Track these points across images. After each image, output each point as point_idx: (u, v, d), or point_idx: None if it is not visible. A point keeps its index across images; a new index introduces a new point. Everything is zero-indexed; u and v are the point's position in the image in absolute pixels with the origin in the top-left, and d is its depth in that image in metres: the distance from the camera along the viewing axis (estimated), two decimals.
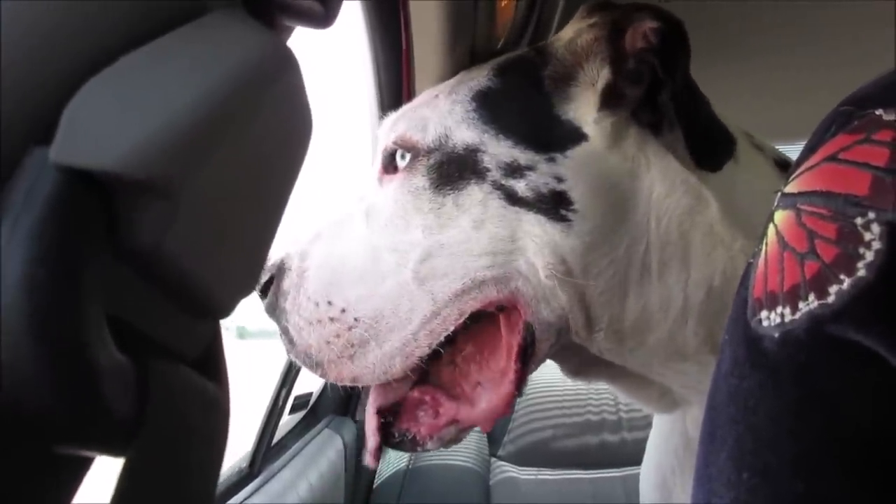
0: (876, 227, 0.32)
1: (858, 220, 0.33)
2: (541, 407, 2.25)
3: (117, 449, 0.23)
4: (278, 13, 0.32)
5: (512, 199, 0.67)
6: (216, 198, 0.26)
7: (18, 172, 0.21)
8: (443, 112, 0.73)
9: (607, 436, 2.17)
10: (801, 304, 0.34)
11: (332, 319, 0.69)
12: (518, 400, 2.23)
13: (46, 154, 0.21)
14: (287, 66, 0.28)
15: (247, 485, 1.30)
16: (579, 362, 0.78)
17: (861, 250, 0.32)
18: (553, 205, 0.66)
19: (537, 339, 0.68)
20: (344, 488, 1.65)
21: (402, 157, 0.74)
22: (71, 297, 0.21)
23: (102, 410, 0.21)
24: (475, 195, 0.67)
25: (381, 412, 0.71)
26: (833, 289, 0.33)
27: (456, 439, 0.71)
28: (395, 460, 2.07)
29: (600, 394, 2.26)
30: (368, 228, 0.73)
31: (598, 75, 0.70)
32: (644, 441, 0.96)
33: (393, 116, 0.79)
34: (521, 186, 0.66)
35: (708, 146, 0.68)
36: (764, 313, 0.36)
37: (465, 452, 2.11)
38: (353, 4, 0.87)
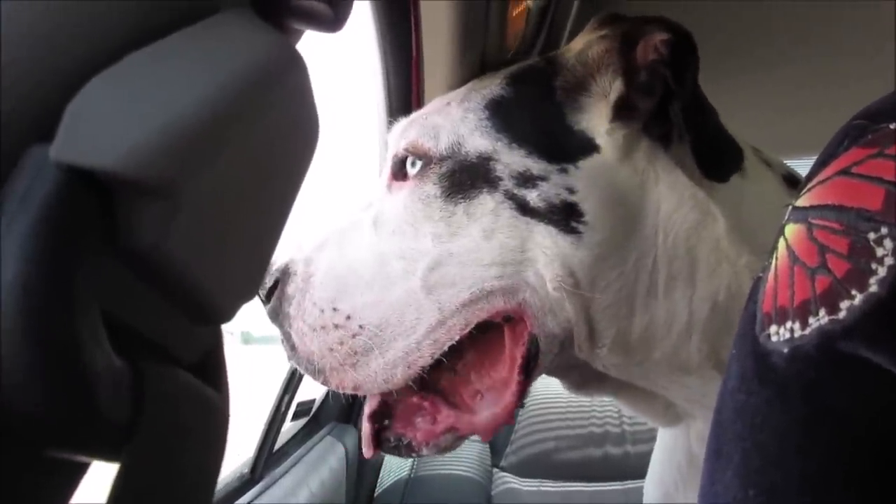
0: (889, 243, 0.31)
1: (871, 236, 0.32)
2: (544, 418, 2.24)
3: (111, 453, 0.23)
4: (288, 16, 0.32)
5: (523, 209, 0.66)
6: (219, 200, 0.25)
7: (17, 170, 0.21)
8: (455, 120, 0.73)
9: (610, 448, 2.16)
10: (811, 320, 0.33)
11: (336, 326, 0.68)
12: (521, 411, 2.21)
13: (46, 152, 0.21)
14: (294, 68, 0.28)
15: (248, 490, 1.29)
16: (580, 376, 0.78)
17: (873, 266, 0.31)
18: (564, 216, 0.65)
19: (541, 352, 0.67)
20: (345, 496, 1.65)
21: (413, 164, 0.73)
22: (66, 299, 0.20)
23: (96, 414, 0.21)
24: (487, 204, 0.67)
25: (374, 416, 0.71)
26: (844, 304, 0.32)
27: (452, 447, 0.70)
28: (397, 469, 2.06)
29: (604, 406, 2.25)
30: (377, 235, 0.73)
31: (610, 87, 0.69)
32: (648, 454, 0.95)
33: (403, 123, 0.79)
34: (532, 196, 0.66)
35: (715, 156, 0.68)
36: (773, 328, 0.35)
37: (467, 462, 2.10)
38: (363, 8, 0.87)
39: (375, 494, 1.99)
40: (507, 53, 0.89)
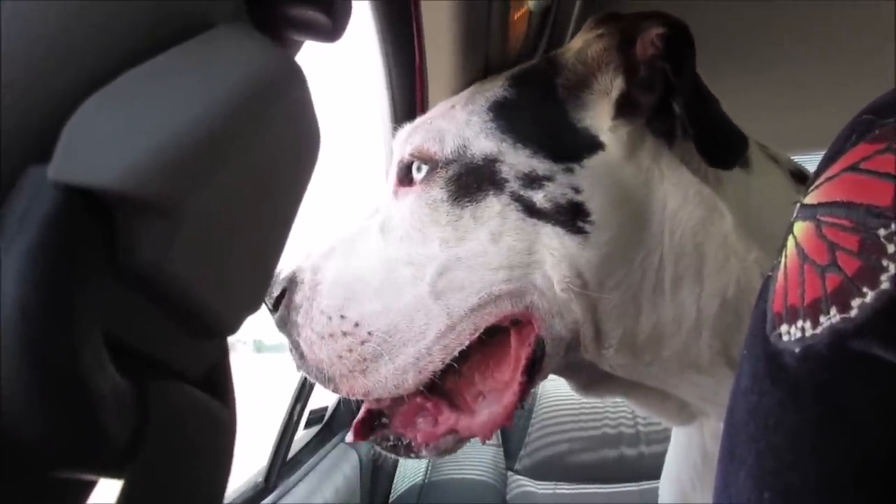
0: None
1: (881, 232, 0.32)
2: (557, 420, 2.23)
3: (114, 471, 0.22)
4: (286, 27, 0.32)
5: (530, 210, 0.66)
6: (220, 215, 0.25)
7: (15, 191, 0.21)
8: (460, 123, 0.73)
9: (625, 449, 2.15)
10: (822, 318, 0.33)
11: (345, 333, 0.68)
12: (534, 413, 2.20)
13: (44, 173, 0.21)
14: (294, 81, 0.28)
15: (262, 500, 1.30)
16: (588, 378, 0.77)
17: (885, 262, 0.31)
18: (570, 216, 0.65)
19: (547, 354, 0.67)
20: (360, 503, 1.65)
21: (419, 169, 0.73)
22: (67, 322, 0.20)
23: (98, 436, 0.21)
24: (493, 207, 0.67)
25: (372, 412, 0.71)
26: (856, 302, 0.32)
27: (452, 449, 0.70)
28: (412, 475, 2.06)
29: (617, 407, 2.24)
30: (384, 241, 0.73)
31: (611, 85, 0.69)
32: (663, 455, 0.95)
33: (408, 128, 0.79)
34: (539, 197, 0.66)
35: (720, 144, 0.67)
36: (784, 328, 0.35)
37: (482, 466, 2.09)
38: (366, 17, 0.87)
39: (390, 501, 1.98)
40: (511, 56, 0.89)
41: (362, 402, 0.71)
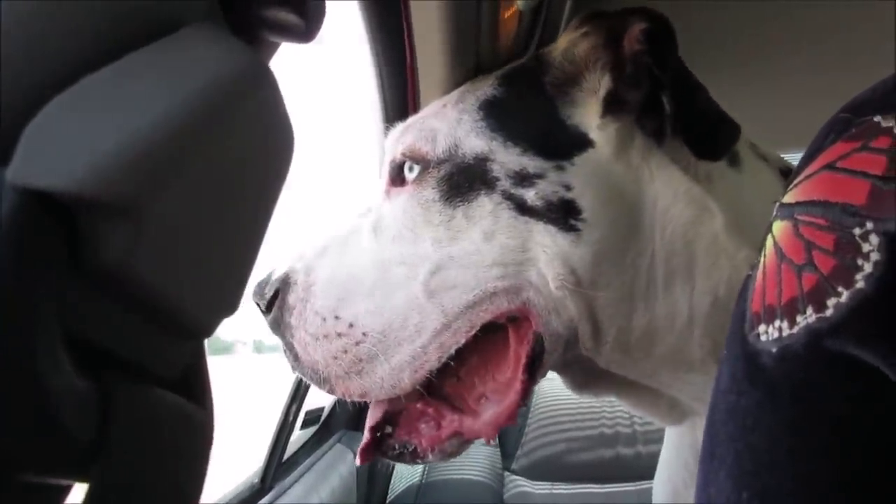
0: (875, 238, 0.31)
1: (857, 231, 0.32)
2: (554, 420, 2.23)
3: (78, 473, 0.22)
4: (259, 28, 0.32)
5: (522, 208, 0.66)
6: (188, 215, 0.25)
7: None
8: (451, 122, 0.72)
9: (622, 449, 2.15)
10: (798, 318, 0.33)
11: (339, 334, 0.68)
12: (531, 413, 2.20)
13: (3, 175, 0.21)
14: (262, 82, 0.28)
15: (258, 500, 1.30)
16: (584, 376, 0.77)
17: (860, 262, 0.31)
18: (562, 214, 0.65)
19: (546, 351, 0.67)
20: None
21: (411, 169, 0.73)
22: (25, 325, 0.20)
23: (59, 438, 0.21)
24: (485, 206, 0.67)
25: (377, 427, 0.71)
26: (831, 302, 0.32)
27: (457, 452, 0.70)
28: (409, 475, 2.06)
29: (614, 406, 2.24)
30: (376, 242, 0.73)
31: (599, 83, 0.69)
32: (659, 454, 0.94)
33: (400, 128, 0.79)
34: (530, 195, 0.66)
35: (708, 133, 0.67)
36: (762, 327, 0.35)
37: (479, 466, 2.09)
38: (357, 16, 0.87)
39: (387, 501, 1.98)
40: (503, 55, 0.88)
41: (360, 402, 0.71)
